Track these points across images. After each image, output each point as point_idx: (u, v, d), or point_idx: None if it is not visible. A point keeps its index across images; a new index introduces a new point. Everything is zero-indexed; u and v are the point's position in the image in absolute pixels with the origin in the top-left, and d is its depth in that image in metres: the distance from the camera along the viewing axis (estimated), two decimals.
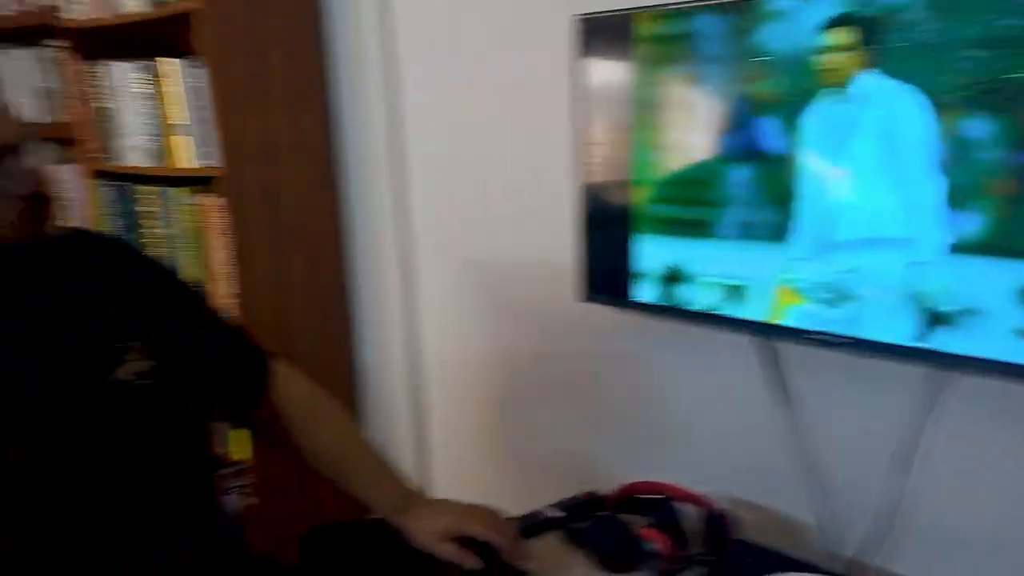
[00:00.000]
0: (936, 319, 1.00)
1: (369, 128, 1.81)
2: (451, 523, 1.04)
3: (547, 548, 1.17)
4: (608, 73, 1.23)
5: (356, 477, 1.10)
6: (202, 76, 1.66)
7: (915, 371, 1.10)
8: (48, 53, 2.11)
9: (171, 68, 1.72)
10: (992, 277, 0.95)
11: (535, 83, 1.47)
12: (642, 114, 1.21)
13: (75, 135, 2.00)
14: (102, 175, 1.98)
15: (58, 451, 0.78)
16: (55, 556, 0.78)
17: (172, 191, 1.80)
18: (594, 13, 1.23)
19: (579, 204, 1.30)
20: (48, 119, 2.12)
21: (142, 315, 0.90)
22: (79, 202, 2.08)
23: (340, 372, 1.98)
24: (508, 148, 1.56)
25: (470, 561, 1.02)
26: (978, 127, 0.93)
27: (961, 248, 0.96)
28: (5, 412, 0.76)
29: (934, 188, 0.97)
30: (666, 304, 1.23)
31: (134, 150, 1.85)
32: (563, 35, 1.30)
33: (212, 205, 1.74)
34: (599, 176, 1.28)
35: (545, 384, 1.62)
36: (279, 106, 1.76)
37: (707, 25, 1.12)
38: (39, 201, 0.77)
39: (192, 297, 1.02)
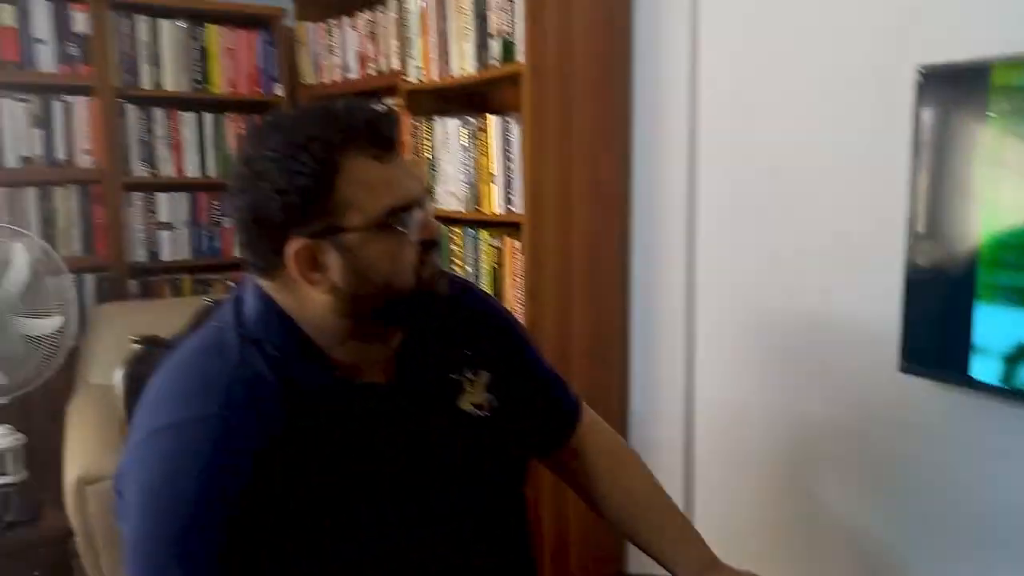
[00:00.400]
0: None
1: (664, 170, 1.87)
2: None
3: None
4: (957, 124, 1.16)
5: (659, 533, 1.10)
6: (514, 130, 1.83)
7: None
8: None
9: (490, 123, 1.91)
10: None
11: (867, 128, 1.42)
12: (995, 169, 1.12)
13: None
14: None
15: (404, 454, 0.90)
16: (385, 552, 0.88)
17: (481, 232, 1.99)
18: (943, 64, 1.18)
19: (910, 261, 1.23)
20: None
21: (488, 351, 1.01)
22: None
23: (611, 419, 2.02)
24: (829, 194, 1.51)
25: None
26: None
27: None
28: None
29: None
30: (1011, 386, 1.11)
31: (451, 196, 2.08)
32: (905, 81, 1.25)
33: (511, 247, 1.90)
34: (938, 233, 1.20)
35: (840, 457, 1.52)
36: (581, 156, 1.88)
37: None
38: (430, 246, 0.89)
39: (526, 340, 1.12)
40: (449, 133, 2.06)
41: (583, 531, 1.91)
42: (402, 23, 2.18)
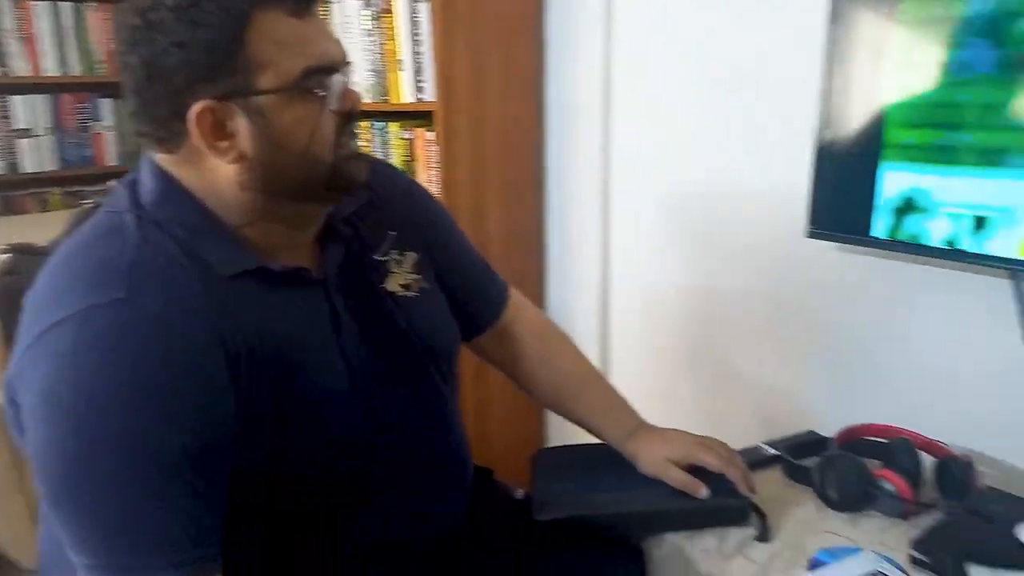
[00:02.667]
0: None
1: (577, 62, 1.83)
2: (682, 451, 1.06)
3: (770, 486, 1.16)
4: None
5: (587, 404, 1.13)
6: (423, 10, 1.72)
7: None
8: None
9: (395, 3, 1.79)
10: None
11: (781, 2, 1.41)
12: (904, 34, 1.14)
13: None
14: None
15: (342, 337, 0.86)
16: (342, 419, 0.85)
17: (390, 125, 1.89)
18: None
19: (820, 130, 1.25)
20: None
21: (413, 232, 0.97)
22: None
23: None
24: (741, 70, 1.51)
25: (700, 490, 1.03)
26: None
27: None
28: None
29: None
30: (904, 240, 1.17)
31: (355, 86, 1.95)
32: None
33: (423, 138, 1.82)
34: (847, 100, 1.22)
35: (752, 322, 1.58)
36: (493, 39, 1.80)
37: None
38: (350, 119, 0.82)
39: (451, 221, 1.09)
40: (349, 15, 1.92)
41: (504, 416, 1.93)
42: None
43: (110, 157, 2.68)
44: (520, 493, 1.14)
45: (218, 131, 0.75)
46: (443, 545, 0.96)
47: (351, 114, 0.82)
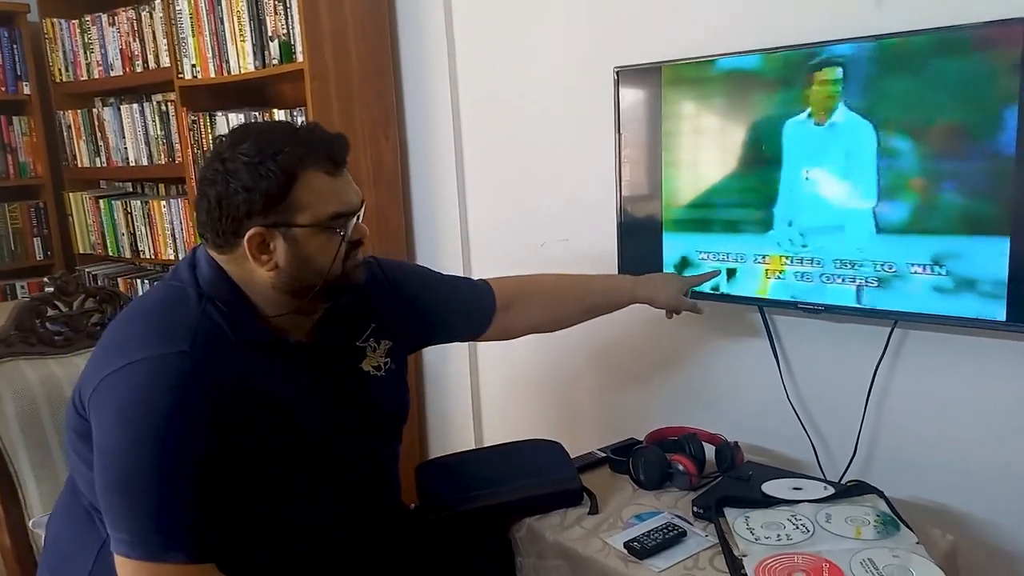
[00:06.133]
0: (876, 283, 1.37)
1: (435, 158, 2.21)
2: (679, 285, 1.51)
3: (600, 478, 1.52)
4: (643, 106, 1.62)
5: (592, 298, 1.51)
6: (299, 122, 2.06)
7: (871, 327, 1.46)
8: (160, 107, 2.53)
9: (275, 117, 2.11)
10: (913, 249, 1.32)
11: (587, 111, 1.83)
12: (669, 137, 1.59)
13: (184, 175, 2.40)
14: None
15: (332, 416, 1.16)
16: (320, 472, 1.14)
17: None
18: (630, 65, 1.63)
19: (620, 208, 1.69)
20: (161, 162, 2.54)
21: (391, 322, 1.26)
22: (183, 231, 2.49)
23: None
24: (565, 163, 1.93)
25: (701, 307, 1.53)
26: (904, 144, 1.31)
27: (887, 229, 1.34)
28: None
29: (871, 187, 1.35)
30: None
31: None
32: (608, 77, 1.68)
33: None
34: (635, 186, 1.66)
35: (587, 356, 1.98)
36: (363, 146, 2.15)
37: (712, 70, 1.51)
38: (357, 244, 1.12)
39: (426, 279, 1.39)
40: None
41: None
42: (172, 23, 2.28)
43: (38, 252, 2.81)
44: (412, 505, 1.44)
45: (262, 248, 1.04)
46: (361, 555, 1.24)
47: (360, 241, 1.12)
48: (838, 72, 1.36)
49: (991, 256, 1.26)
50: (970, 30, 1.24)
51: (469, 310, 1.41)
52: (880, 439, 1.54)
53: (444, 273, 1.45)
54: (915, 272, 1.34)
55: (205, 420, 1.00)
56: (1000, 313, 1.27)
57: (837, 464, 1.58)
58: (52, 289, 1.47)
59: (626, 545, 1.25)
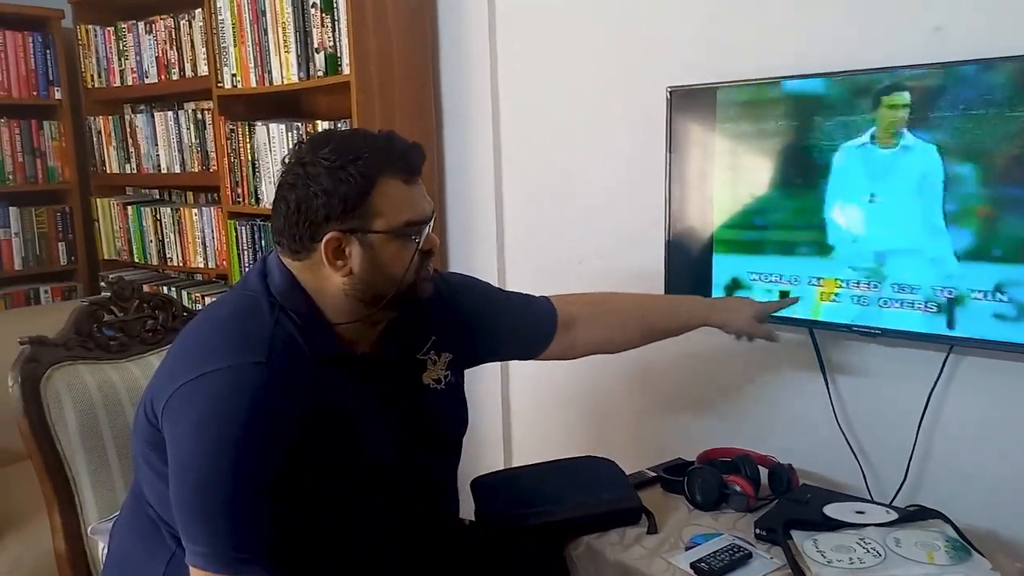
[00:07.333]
0: (938, 309, 1.38)
1: (473, 168, 2.22)
2: (754, 311, 1.47)
3: (653, 498, 1.51)
4: (696, 128, 1.63)
5: (667, 320, 1.48)
6: None
7: (926, 352, 1.47)
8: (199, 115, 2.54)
9: (319, 128, 2.12)
10: (975, 275, 1.33)
11: (637, 131, 1.84)
12: (722, 159, 1.60)
13: (219, 183, 2.40)
14: (233, 216, 2.38)
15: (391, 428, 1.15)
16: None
17: None
18: (684, 85, 1.65)
19: (667, 228, 1.69)
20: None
21: (453, 336, 1.26)
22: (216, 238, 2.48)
23: None
24: (609, 188, 1.94)
25: (776, 335, 1.49)
26: (969, 171, 1.32)
27: (950, 255, 1.35)
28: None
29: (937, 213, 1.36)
30: None
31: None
32: (660, 97, 1.69)
33: None
34: (686, 206, 1.67)
35: (621, 374, 1.97)
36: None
37: (770, 92, 1.53)
38: (429, 255, 1.12)
39: (490, 296, 1.38)
40: (273, 138, 2.23)
41: None
42: (213, 31, 2.28)
43: (16, 263, 2.79)
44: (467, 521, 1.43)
45: (338, 253, 1.04)
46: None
47: (431, 251, 1.12)
48: (906, 96, 1.37)
49: None
50: None
51: (529, 329, 1.40)
52: (930, 465, 1.54)
53: (507, 290, 1.45)
54: (976, 298, 1.35)
55: (281, 431, 0.99)
56: None
57: (885, 489, 1.58)
58: (109, 294, 1.47)
59: (693, 566, 1.24)
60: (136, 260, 2.78)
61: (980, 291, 1.35)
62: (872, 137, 1.42)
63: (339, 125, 2.08)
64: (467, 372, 1.31)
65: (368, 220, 1.04)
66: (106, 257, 2.89)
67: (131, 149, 2.73)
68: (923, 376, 1.49)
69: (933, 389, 1.48)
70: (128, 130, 2.73)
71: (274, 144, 2.23)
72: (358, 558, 1.12)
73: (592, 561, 1.36)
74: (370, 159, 1.03)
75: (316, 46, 2.08)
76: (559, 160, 2.04)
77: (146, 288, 2.67)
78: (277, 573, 1.00)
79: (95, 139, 2.83)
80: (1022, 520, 1.43)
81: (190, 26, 2.46)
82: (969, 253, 1.35)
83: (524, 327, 1.40)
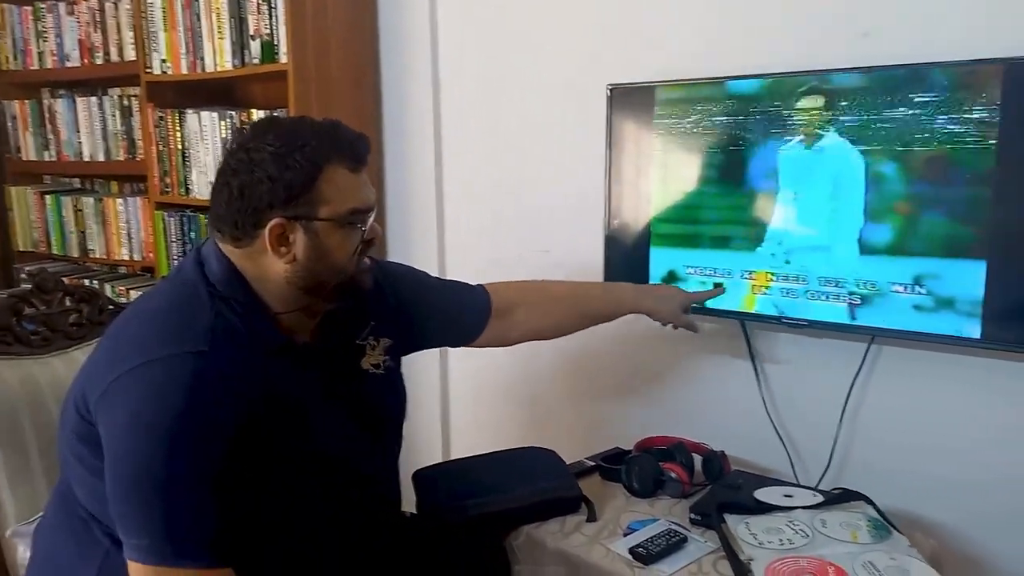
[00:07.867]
0: (858, 301, 1.45)
1: (413, 160, 2.20)
2: (680, 300, 1.52)
3: (592, 486, 1.54)
4: (634, 124, 1.66)
5: (592, 307, 1.52)
6: None
7: (849, 343, 1.54)
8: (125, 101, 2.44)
9: (254, 117, 2.07)
10: (895, 269, 1.40)
11: (578, 126, 1.86)
12: (660, 155, 1.64)
13: (146, 173, 2.32)
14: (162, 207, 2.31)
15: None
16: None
17: None
18: (623, 83, 1.68)
19: (607, 222, 1.72)
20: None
21: (390, 321, 1.26)
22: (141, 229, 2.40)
23: None
24: (553, 180, 1.96)
25: (698, 325, 1.55)
26: (889, 168, 1.39)
27: (871, 250, 1.42)
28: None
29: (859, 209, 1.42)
30: None
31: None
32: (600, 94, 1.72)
33: None
34: (623, 201, 1.70)
35: (557, 364, 2.00)
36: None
37: (707, 92, 1.57)
38: (370, 244, 1.11)
39: (423, 283, 1.39)
40: (206, 126, 2.17)
41: None
42: (141, 15, 2.20)
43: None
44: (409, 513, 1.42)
45: (282, 240, 1.03)
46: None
47: (372, 241, 1.11)
48: (824, 100, 1.44)
49: (969, 277, 1.35)
50: (952, 68, 1.33)
51: (463, 315, 1.42)
52: (853, 450, 1.61)
53: (442, 278, 1.45)
54: (896, 291, 1.42)
55: (222, 422, 0.97)
56: (975, 331, 1.36)
57: (811, 474, 1.65)
58: (30, 286, 1.40)
59: (631, 551, 1.27)
60: (55, 252, 2.66)
61: (900, 284, 1.42)
62: (799, 136, 1.48)
63: (275, 114, 2.04)
64: (405, 365, 1.31)
65: (314, 207, 1.03)
66: (21, 248, 2.76)
67: (50, 136, 2.61)
68: (847, 366, 1.56)
69: (856, 378, 1.56)
70: (47, 115, 2.60)
71: (206, 133, 2.17)
72: (299, 548, 1.11)
73: (532, 550, 1.37)
74: (317, 146, 1.02)
75: (252, 33, 2.03)
76: (500, 153, 2.05)
77: (67, 281, 2.56)
78: (216, 564, 0.97)
79: (10, 124, 2.69)
80: (936, 500, 1.52)
81: (116, 8, 2.37)
82: (889, 248, 1.42)
83: (458, 314, 1.41)
